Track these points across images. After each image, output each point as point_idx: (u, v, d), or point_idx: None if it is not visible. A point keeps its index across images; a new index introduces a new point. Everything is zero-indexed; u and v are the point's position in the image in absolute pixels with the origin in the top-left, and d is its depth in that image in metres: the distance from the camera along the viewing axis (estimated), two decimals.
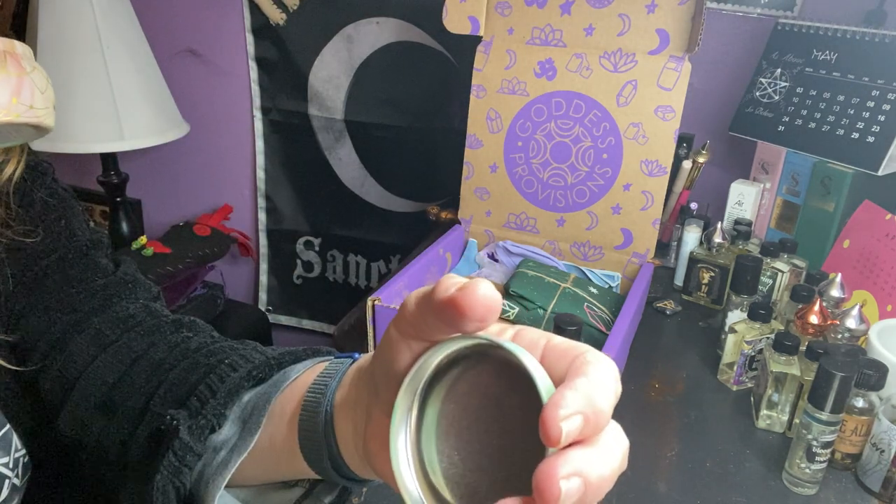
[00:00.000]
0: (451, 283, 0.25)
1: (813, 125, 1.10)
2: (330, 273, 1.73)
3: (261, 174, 1.66)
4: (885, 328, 0.81)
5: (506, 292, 0.92)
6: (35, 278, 0.50)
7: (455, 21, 1.05)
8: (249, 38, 1.54)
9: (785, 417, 0.79)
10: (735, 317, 0.91)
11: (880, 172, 1.01)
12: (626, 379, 0.88)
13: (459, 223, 1.12)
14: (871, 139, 1.02)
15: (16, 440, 0.47)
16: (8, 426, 0.46)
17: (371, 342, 0.85)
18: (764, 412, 0.79)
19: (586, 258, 1.06)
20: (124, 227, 1.55)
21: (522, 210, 1.08)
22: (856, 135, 1.04)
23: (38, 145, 0.59)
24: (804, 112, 1.11)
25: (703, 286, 1.07)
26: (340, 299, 1.74)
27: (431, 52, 1.44)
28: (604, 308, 0.92)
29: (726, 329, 0.90)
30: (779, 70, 1.16)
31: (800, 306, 0.84)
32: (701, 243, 1.09)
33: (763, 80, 1.17)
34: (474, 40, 1.06)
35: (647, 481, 0.71)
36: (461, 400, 0.27)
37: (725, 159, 1.30)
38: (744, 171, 1.23)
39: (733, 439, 0.78)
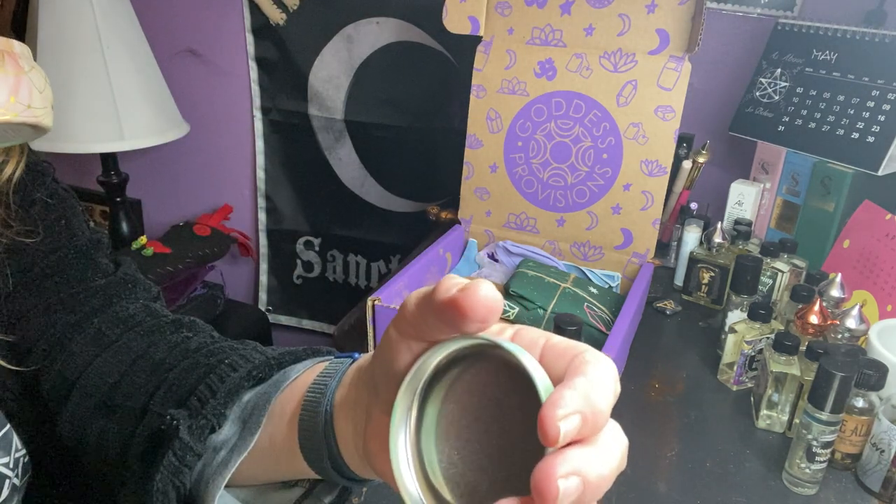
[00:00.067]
0: (452, 283, 0.25)
1: (813, 125, 1.10)
2: (330, 273, 1.73)
3: (261, 174, 1.66)
4: (885, 328, 0.81)
5: (506, 292, 0.92)
6: (35, 278, 0.50)
7: (455, 21, 1.05)
8: (249, 38, 1.54)
9: (785, 417, 0.79)
10: (735, 317, 0.91)
11: (880, 172, 1.01)
12: (625, 379, 0.88)
13: (459, 223, 1.12)
14: (871, 139, 1.02)
15: (16, 440, 0.47)
16: (8, 426, 0.46)
17: (371, 342, 0.85)
18: (764, 412, 0.79)
19: (586, 258, 1.06)
20: (124, 227, 1.55)
21: (522, 210, 1.08)
22: (856, 135, 1.04)
23: (38, 145, 0.59)
24: (804, 112, 1.11)
25: (703, 286, 1.07)
26: (340, 299, 1.74)
27: (431, 52, 1.44)
28: (604, 308, 0.92)
29: (726, 329, 0.90)
30: (779, 70, 1.16)
31: (800, 306, 0.84)
32: (701, 243, 1.09)
33: (763, 80, 1.17)
34: (474, 40, 1.06)
35: (647, 481, 0.71)
36: (461, 400, 0.27)
37: (725, 159, 1.30)
38: (744, 171, 1.23)
39: (733, 439, 0.78)
